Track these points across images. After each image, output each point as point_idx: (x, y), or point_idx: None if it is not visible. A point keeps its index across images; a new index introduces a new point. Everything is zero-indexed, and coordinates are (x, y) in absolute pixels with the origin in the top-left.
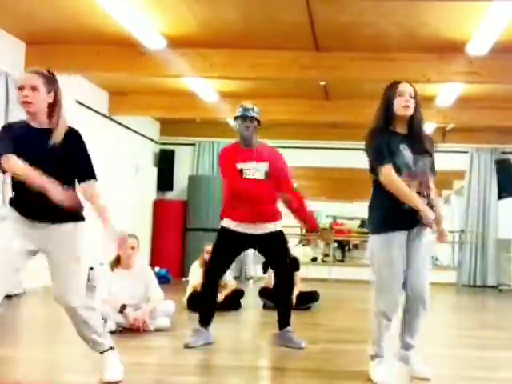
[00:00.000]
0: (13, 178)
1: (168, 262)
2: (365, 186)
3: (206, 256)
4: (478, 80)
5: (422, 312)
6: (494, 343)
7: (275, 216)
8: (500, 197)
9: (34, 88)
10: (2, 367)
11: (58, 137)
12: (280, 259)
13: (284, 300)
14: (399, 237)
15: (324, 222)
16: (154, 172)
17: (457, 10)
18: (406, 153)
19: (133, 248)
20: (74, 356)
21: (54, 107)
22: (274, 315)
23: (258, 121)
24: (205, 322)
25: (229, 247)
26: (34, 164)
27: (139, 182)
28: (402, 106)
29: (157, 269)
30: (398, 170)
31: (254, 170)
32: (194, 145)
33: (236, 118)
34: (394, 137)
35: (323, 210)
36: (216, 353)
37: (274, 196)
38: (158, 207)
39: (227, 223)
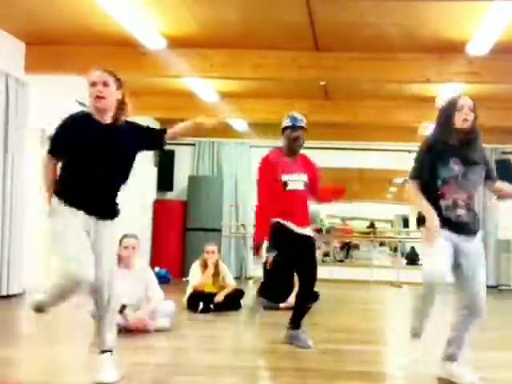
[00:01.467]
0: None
1: (168, 262)
2: (365, 187)
3: (207, 256)
4: (478, 80)
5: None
6: (494, 343)
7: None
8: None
9: (105, 84)
10: (2, 367)
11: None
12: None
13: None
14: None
15: (325, 222)
16: (154, 172)
17: (457, 10)
18: (457, 166)
19: (133, 248)
20: (74, 356)
21: (122, 104)
22: (274, 315)
23: (306, 130)
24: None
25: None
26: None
27: (139, 182)
28: (462, 119)
29: (157, 269)
30: (446, 182)
31: (297, 182)
32: (193, 145)
33: (286, 129)
34: (447, 149)
35: (323, 209)
36: (216, 353)
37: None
38: (158, 207)
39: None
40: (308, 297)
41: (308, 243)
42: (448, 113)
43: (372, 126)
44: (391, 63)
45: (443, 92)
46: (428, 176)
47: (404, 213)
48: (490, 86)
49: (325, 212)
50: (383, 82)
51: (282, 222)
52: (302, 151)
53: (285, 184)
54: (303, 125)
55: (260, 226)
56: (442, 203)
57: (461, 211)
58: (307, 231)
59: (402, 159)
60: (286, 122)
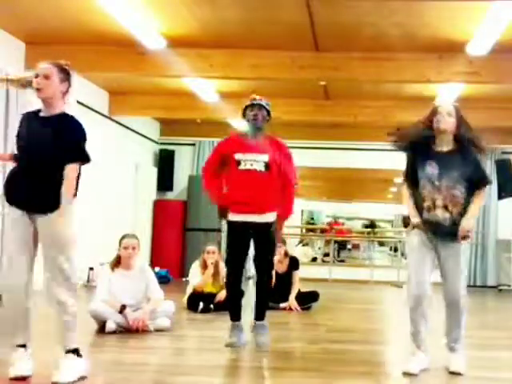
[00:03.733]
0: None
1: (168, 262)
2: (364, 186)
3: (207, 256)
4: (478, 80)
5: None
6: (494, 343)
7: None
8: (500, 197)
9: (46, 76)
10: (2, 367)
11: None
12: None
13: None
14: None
15: (323, 221)
16: (153, 172)
17: (457, 10)
18: (431, 169)
19: (133, 248)
20: None
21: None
22: (273, 315)
23: (268, 112)
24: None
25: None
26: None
27: (139, 182)
28: (436, 120)
29: (157, 269)
30: (424, 184)
31: (254, 162)
32: (193, 145)
33: (244, 110)
34: (426, 153)
35: (323, 209)
36: (216, 353)
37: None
38: (158, 207)
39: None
40: (262, 288)
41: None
42: (427, 117)
43: (372, 126)
44: (391, 63)
45: (443, 92)
46: (412, 178)
47: (404, 213)
48: (490, 85)
49: (324, 212)
50: (383, 82)
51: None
52: (301, 151)
53: (238, 163)
54: (262, 103)
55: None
56: (424, 204)
57: (439, 213)
58: (264, 218)
59: (402, 159)
60: (246, 104)
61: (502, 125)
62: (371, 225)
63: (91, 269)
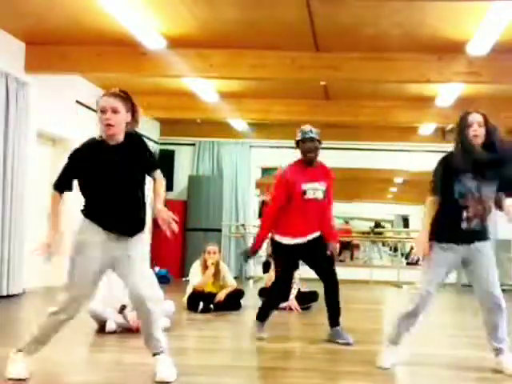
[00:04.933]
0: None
1: (168, 262)
2: (365, 187)
3: (207, 256)
4: (477, 80)
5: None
6: None
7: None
8: None
9: (114, 110)
10: (2, 367)
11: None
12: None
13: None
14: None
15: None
16: None
17: (457, 10)
18: (468, 180)
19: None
20: (74, 357)
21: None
22: (273, 315)
23: (319, 141)
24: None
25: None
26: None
27: None
28: (473, 135)
29: (157, 269)
30: (462, 196)
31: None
32: (193, 145)
33: (298, 143)
34: (461, 166)
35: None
36: (216, 353)
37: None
38: None
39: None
40: (332, 295)
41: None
42: (461, 131)
43: (372, 126)
44: (391, 63)
45: (443, 92)
46: (443, 192)
47: (404, 213)
48: (490, 85)
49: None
50: (383, 82)
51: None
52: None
53: (304, 193)
54: (313, 135)
55: (261, 236)
56: (464, 215)
57: (476, 222)
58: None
59: (402, 159)
60: (297, 136)
61: (501, 125)
62: (376, 225)
63: None
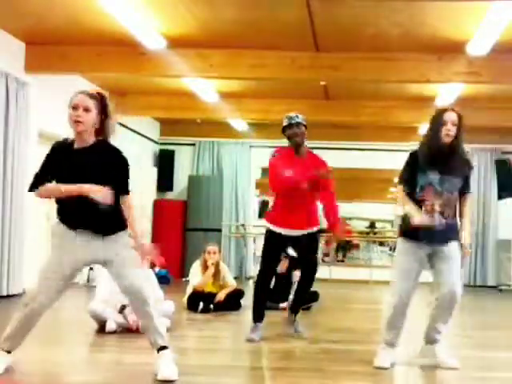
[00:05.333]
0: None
1: (168, 262)
2: (364, 187)
3: (207, 256)
4: (477, 80)
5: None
6: (494, 343)
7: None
8: (500, 197)
9: (86, 109)
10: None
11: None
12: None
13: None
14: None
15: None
16: (153, 172)
17: (457, 9)
18: (433, 174)
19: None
20: (74, 357)
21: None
22: (273, 315)
23: (305, 126)
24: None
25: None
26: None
27: (139, 182)
28: (445, 134)
29: (157, 269)
30: (422, 189)
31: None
32: (193, 145)
33: (284, 129)
34: (427, 159)
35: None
36: (216, 353)
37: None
38: (158, 207)
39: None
40: (304, 288)
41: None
42: (434, 126)
43: (372, 126)
44: (391, 63)
45: (443, 92)
46: (409, 182)
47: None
48: (490, 85)
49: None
50: (383, 82)
51: (273, 228)
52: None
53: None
54: (299, 121)
55: None
56: (422, 208)
57: (437, 217)
58: (307, 230)
59: (402, 159)
60: (283, 123)
61: (501, 125)
62: (371, 225)
63: (91, 269)
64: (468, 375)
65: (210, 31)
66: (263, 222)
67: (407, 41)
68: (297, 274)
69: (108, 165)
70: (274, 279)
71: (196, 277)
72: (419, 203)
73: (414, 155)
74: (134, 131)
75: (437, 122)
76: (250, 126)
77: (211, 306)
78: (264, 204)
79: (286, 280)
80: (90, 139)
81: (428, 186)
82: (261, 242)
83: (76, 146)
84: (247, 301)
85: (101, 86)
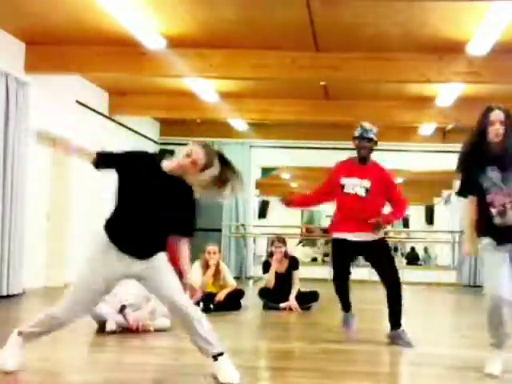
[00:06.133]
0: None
1: (168, 262)
2: None
3: (208, 256)
4: (478, 80)
5: None
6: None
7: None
8: None
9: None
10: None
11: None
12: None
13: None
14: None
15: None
16: None
17: (457, 10)
18: (494, 173)
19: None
20: (74, 357)
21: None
22: (273, 315)
23: (375, 142)
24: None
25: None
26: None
27: None
28: (494, 134)
29: None
30: (487, 190)
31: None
32: None
33: (354, 138)
34: (483, 159)
35: (323, 209)
36: None
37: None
38: None
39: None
40: (394, 297)
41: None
42: (481, 126)
43: None
44: (391, 63)
45: (443, 92)
46: (473, 190)
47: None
48: (490, 85)
49: (325, 212)
50: (383, 82)
51: (336, 235)
52: (301, 150)
53: (342, 187)
54: (370, 136)
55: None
56: (492, 211)
57: (510, 216)
58: (368, 236)
59: (402, 159)
60: (355, 132)
61: None
62: None
63: None
64: (468, 375)
65: (209, 31)
66: (262, 221)
67: (407, 41)
68: (297, 274)
69: (179, 197)
70: (274, 280)
71: (196, 277)
72: (487, 208)
73: (465, 160)
74: (134, 131)
75: (484, 122)
76: (250, 125)
77: (211, 305)
78: (264, 204)
79: (286, 280)
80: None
81: (493, 187)
82: (260, 242)
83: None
84: (247, 301)
85: (100, 86)
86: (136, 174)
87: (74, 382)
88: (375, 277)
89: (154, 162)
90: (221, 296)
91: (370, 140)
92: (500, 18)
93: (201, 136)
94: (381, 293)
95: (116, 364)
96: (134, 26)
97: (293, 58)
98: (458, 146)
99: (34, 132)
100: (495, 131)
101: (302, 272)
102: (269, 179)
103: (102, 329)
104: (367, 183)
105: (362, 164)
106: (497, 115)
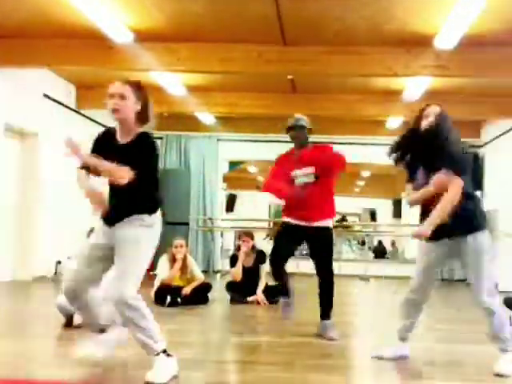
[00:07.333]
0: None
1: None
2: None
3: (175, 250)
4: (445, 73)
5: None
6: (460, 337)
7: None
8: None
9: (122, 96)
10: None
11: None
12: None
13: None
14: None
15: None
16: None
17: (424, 3)
18: (420, 175)
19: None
20: (46, 350)
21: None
22: (241, 309)
23: (310, 129)
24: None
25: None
26: None
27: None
28: (425, 125)
29: None
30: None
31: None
32: (161, 138)
33: (288, 129)
34: (413, 158)
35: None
36: (183, 347)
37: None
38: None
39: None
40: (325, 289)
41: (316, 235)
42: (417, 119)
43: (339, 120)
44: (358, 57)
45: (410, 86)
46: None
47: (371, 206)
48: (458, 79)
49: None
50: (350, 76)
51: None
52: (269, 144)
53: (293, 181)
54: (302, 123)
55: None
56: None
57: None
58: (318, 223)
59: (369, 153)
60: (288, 123)
61: (469, 118)
62: (342, 218)
63: (59, 262)
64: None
65: (177, 25)
66: (230, 215)
67: (374, 34)
68: (264, 268)
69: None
70: (241, 273)
71: (164, 271)
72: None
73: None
74: (103, 125)
75: (420, 115)
76: (218, 119)
77: (179, 299)
78: (231, 198)
79: (254, 274)
80: (132, 131)
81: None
82: (228, 235)
83: (119, 138)
84: (215, 294)
85: (68, 79)
86: (103, 152)
87: (46, 375)
88: (343, 271)
89: (108, 137)
90: (188, 290)
91: (303, 127)
92: (467, 11)
93: (168, 129)
94: (348, 287)
95: (83, 358)
96: (101, 20)
97: (260, 51)
98: None
99: (0, 125)
100: (427, 122)
101: (268, 266)
102: (236, 173)
103: (68, 323)
104: (312, 169)
105: (301, 152)
106: (432, 109)
